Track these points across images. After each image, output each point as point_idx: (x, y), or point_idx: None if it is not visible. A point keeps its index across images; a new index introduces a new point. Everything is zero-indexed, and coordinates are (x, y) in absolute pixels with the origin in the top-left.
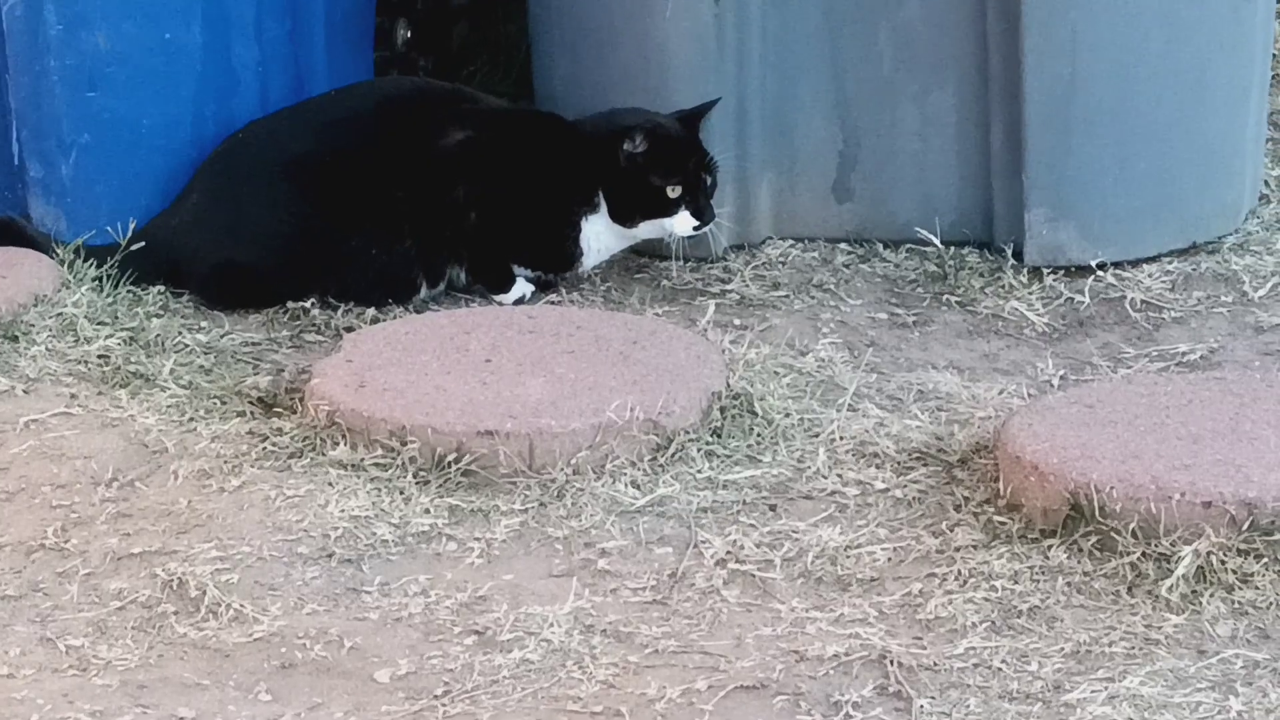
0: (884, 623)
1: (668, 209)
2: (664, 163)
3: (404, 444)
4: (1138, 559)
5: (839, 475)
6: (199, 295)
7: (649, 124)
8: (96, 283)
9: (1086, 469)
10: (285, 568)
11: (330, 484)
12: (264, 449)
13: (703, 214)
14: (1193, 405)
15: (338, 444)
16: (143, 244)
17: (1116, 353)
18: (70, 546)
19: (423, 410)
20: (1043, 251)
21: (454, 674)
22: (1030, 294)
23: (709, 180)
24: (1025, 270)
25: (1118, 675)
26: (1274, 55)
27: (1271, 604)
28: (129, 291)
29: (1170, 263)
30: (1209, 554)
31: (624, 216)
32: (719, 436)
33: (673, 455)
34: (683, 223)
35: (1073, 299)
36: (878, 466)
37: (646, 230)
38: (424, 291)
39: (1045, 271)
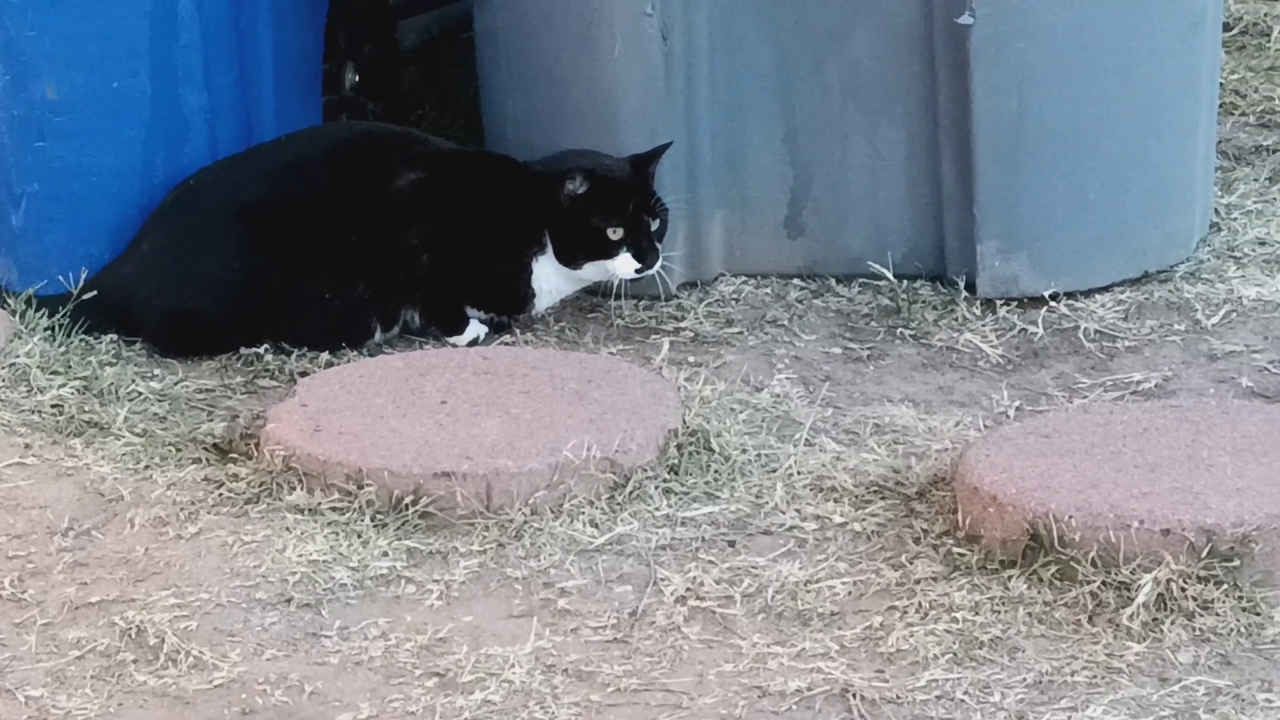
0: (845, 656)
1: (609, 251)
2: (605, 204)
3: (361, 487)
4: (1098, 588)
5: (797, 510)
6: (152, 343)
7: (590, 165)
8: (49, 332)
9: (1045, 499)
10: (244, 614)
11: (287, 529)
12: (220, 495)
13: (645, 256)
14: (1149, 433)
15: (294, 488)
16: (94, 293)
17: (1071, 383)
18: (27, 597)
19: (379, 453)
20: (995, 283)
21: (415, 716)
22: (984, 326)
23: (654, 223)
24: (978, 302)
25: (1080, 705)
26: (1220, 83)
27: (1232, 630)
28: (81, 340)
29: (1123, 292)
30: (1169, 581)
31: (567, 258)
32: (676, 474)
33: (630, 493)
34: (624, 265)
35: (1026, 330)
36: (835, 500)
37: (591, 272)
38: (378, 335)
39: (998, 303)
